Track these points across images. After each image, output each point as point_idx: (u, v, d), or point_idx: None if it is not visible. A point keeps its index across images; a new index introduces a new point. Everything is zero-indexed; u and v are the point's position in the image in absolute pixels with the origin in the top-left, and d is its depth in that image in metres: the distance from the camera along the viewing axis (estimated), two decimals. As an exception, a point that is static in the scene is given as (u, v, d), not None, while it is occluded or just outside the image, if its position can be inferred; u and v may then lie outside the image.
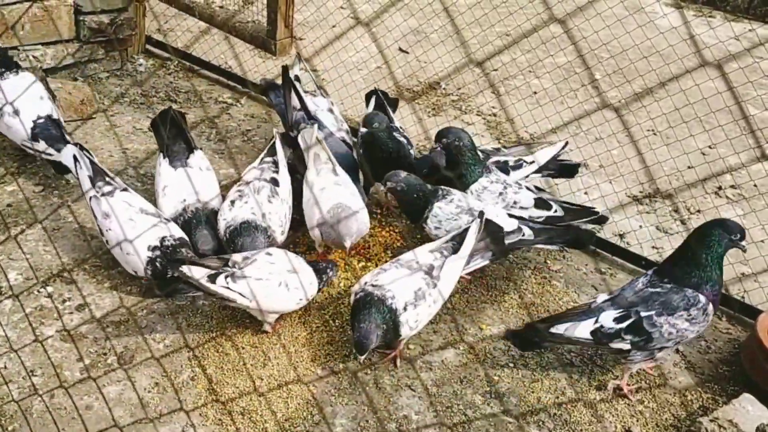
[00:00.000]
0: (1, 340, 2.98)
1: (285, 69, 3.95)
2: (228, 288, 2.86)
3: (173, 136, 3.60)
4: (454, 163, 3.46)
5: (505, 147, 3.85)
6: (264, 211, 3.30)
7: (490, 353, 3.12)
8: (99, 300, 3.24)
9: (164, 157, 3.55)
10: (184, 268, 2.84)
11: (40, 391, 2.72)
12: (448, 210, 3.32)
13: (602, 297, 2.93)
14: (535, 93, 4.95)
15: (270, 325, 3.09)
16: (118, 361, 2.95)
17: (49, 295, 3.23)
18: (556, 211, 3.48)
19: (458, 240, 3.09)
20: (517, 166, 3.63)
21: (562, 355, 3.14)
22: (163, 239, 3.13)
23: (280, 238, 3.35)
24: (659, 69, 4.74)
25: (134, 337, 3.07)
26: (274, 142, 3.64)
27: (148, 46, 5.34)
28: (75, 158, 3.38)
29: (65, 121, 4.41)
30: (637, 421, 2.87)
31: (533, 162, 3.66)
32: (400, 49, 5.59)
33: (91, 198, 3.27)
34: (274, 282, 2.92)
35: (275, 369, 2.97)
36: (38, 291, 3.24)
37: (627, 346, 2.80)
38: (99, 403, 2.76)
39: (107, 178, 3.35)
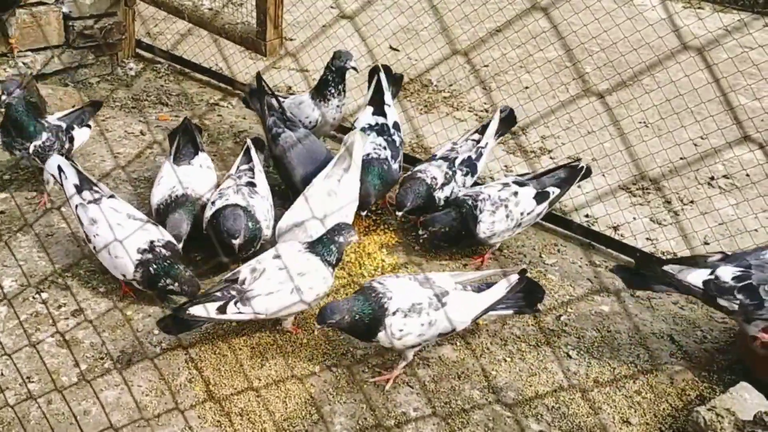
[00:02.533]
0: (-3, 348, 2.97)
1: (259, 75, 3.99)
2: (240, 312, 2.89)
3: (185, 143, 3.81)
4: (460, 227, 3.52)
5: (454, 143, 3.88)
6: (249, 203, 3.38)
7: (487, 348, 3.12)
8: (94, 305, 3.23)
9: (169, 156, 3.72)
10: (192, 311, 2.86)
11: (37, 397, 2.71)
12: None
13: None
14: (527, 88, 4.96)
15: (290, 323, 3.12)
16: (114, 365, 2.94)
17: (44, 302, 3.22)
18: (553, 192, 3.57)
19: (488, 286, 2.99)
20: (479, 155, 3.80)
21: (559, 349, 3.14)
22: (152, 243, 3.14)
23: (267, 232, 3.42)
24: (649, 61, 4.74)
25: (130, 341, 3.06)
26: (248, 149, 3.75)
27: (138, 50, 5.33)
28: (60, 168, 3.39)
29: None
30: (635, 411, 2.87)
31: (486, 143, 3.83)
32: (391, 47, 5.60)
33: (77, 206, 3.29)
34: (285, 291, 2.91)
35: (273, 369, 2.96)
36: (33, 297, 3.24)
37: (734, 307, 2.73)
38: (96, 408, 2.75)
39: (94, 187, 3.38)
